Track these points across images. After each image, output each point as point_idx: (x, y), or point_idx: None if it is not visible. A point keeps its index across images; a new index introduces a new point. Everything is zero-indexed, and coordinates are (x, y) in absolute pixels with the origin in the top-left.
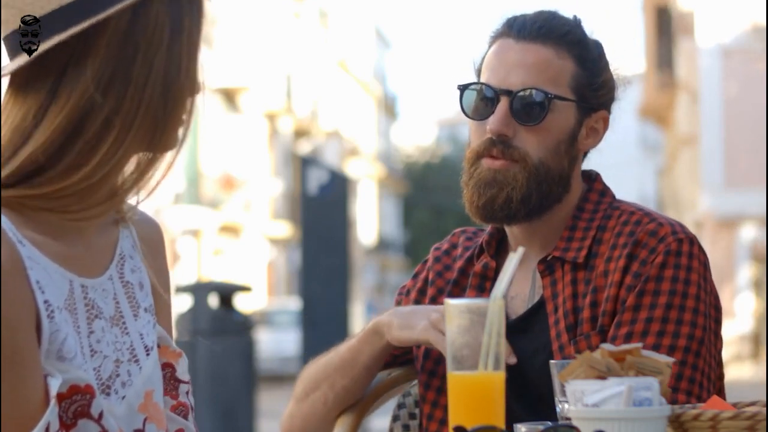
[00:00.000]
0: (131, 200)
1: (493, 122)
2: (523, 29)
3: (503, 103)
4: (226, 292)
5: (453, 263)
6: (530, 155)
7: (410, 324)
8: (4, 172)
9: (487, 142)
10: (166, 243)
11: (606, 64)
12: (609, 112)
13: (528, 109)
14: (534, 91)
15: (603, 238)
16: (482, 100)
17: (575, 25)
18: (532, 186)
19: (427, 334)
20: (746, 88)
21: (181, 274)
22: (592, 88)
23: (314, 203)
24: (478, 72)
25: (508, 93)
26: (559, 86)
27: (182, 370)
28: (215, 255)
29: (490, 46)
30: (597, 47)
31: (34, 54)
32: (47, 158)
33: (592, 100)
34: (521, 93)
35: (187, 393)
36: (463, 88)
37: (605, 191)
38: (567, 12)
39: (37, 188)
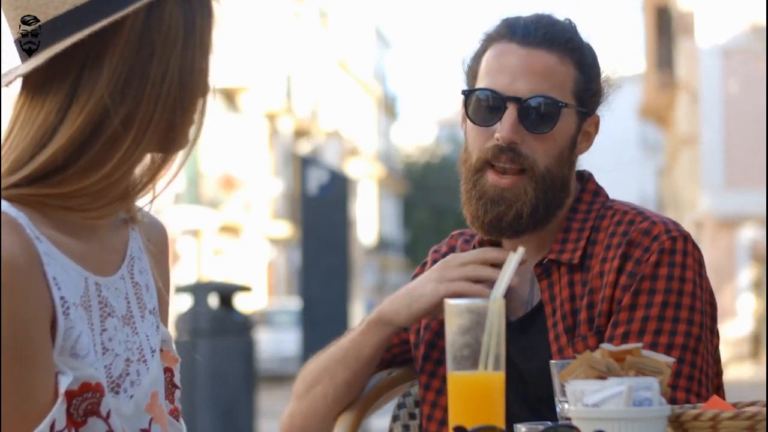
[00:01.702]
0: (140, 202)
1: (503, 130)
2: (528, 34)
3: (511, 111)
4: (226, 292)
5: None
6: (538, 163)
7: (417, 296)
8: (26, 171)
9: (494, 149)
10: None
11: (599, 68)
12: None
13: (538, 117)
14: (545, 99)
15: (597, 239)
16: (486, 107)
17: (574, 30)
18: (539, 196)
19: (440, 290)
20: (746, 88)
21: (181, 274)
22: (590, 93)
23: (314, 203)
24: (473, 73)
25: (517, 100)
26: (563, 92)
27: (178, 376)
28: (215, 255)
29: (485, 48)
30: (591, 52)
31: (50, 54)
32: (67, 157)
33: (589, 105)
34: (531, 100)
35: (179, 399)
36: (467, 93)
37: (598, 191)
38: (560, 15)
39: (57, 187)
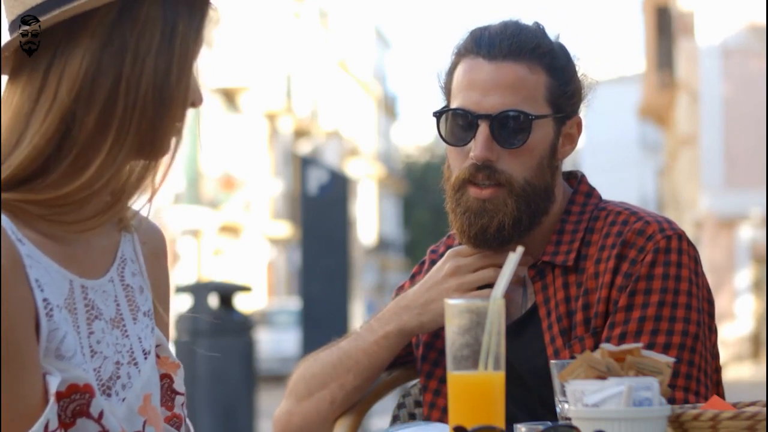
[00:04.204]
0: (135, 206)
1: (476, 149)
2: (493, 47)
3: (483, 128)
4: (226, 292)
5: None
6: (515, 177)
7: (442, 309)
8: (6, 173)
9: (471, 168)
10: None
11: (574, 68)
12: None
13: (510, 133)
14: (514, 114)
15: (591, 240)
16: (460, 126)
17: (542, 35)
18: (521, 208)
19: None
20: (746, 88)
21: (181, 274)
22: (566, 96)
23: (314, 203)
24: (447, 90)
25: (488, 117)
26: (536, 102)
27: (179, 382)
28: (215, 255)
29: (456, 63)
30: (564, 53)
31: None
32: (45, 160)
33: (567, 108)
34: (501, 116)
35: (182, 405)
36: (438, 114)
37: (591, 192)
38: (528, 19)
39: (39, 193)
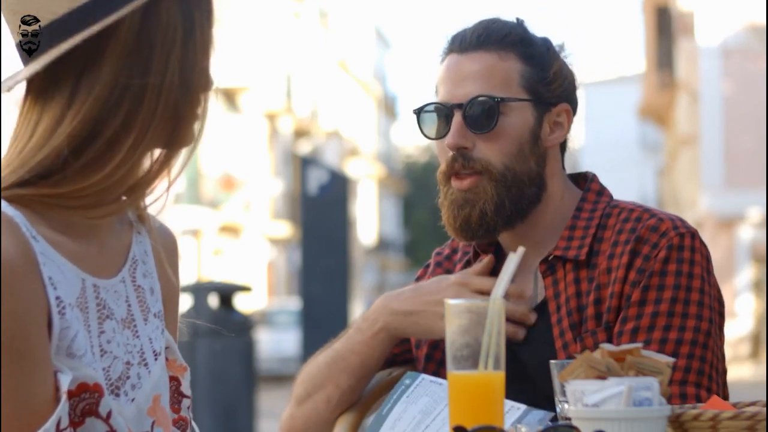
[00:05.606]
0: (149, 209)
1: (449, 137)
2: (464, 41)
3: (457, 117)
4: (226, 292)
5: (454, 267)
6: (492, 164)
7: (436, 321)
8: (26, 169)
9: (450, 159)
10: None
11: (555, 56)
12: (571, 104)
13: (480, 118)
14: (483, 99)
15: (604, 236)
16: (439, 119)
17: (515, 26)
18: (502, 194)
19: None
20: (746, 88)
21: (181, 274)
22: (545, 82)
23: (314, 203)
24: (437, 93)
25: (460, 106)
26: (509, 89)
27: (186, 385)
28: (215, 255)
29: (440, 65)
30: (544, 42)
31: (48, 59)
32: (65, 157)
33: (547, 94)
34: (471, 103)
35: (188, 408)
36: (418, 112)
37: (602, 191)
38: (509, 16)
39: (57, 187)
